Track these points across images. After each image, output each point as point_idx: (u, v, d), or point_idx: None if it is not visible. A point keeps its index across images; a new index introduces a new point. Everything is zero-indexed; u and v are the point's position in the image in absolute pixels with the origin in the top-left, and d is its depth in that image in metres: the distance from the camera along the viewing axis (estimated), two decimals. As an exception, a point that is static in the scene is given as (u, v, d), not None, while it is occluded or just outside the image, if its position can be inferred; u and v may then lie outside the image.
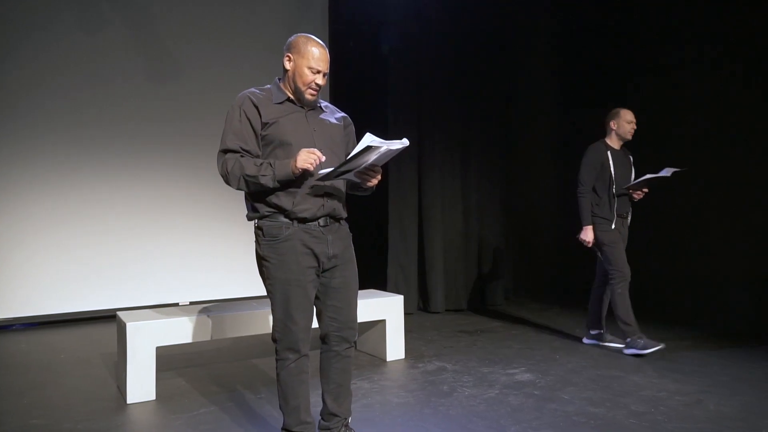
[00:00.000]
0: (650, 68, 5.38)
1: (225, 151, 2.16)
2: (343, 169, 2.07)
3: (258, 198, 2.19)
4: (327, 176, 2.12)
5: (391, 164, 5.43)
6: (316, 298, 2.27)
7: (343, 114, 2.43)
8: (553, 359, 3.76)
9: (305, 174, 2.13)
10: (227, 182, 2.14)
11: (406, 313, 4.14)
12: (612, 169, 3.93)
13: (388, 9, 5.49)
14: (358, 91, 6.25)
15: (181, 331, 3.10)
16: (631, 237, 4.03)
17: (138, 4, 5.40)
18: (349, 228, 2.38)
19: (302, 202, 2.16)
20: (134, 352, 2.98)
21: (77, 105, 5.15)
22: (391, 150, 2.03)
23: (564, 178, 6.38)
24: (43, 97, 5.02)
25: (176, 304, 5.29)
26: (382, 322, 3.76)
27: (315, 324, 2.30)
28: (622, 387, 3.17)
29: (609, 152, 3.97)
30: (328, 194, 2.21)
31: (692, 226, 5.02)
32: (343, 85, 6.24)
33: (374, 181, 2.21)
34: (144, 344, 3.01)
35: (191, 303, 5.42)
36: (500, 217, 6.05)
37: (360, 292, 3.89)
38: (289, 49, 2.23)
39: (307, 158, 2.05)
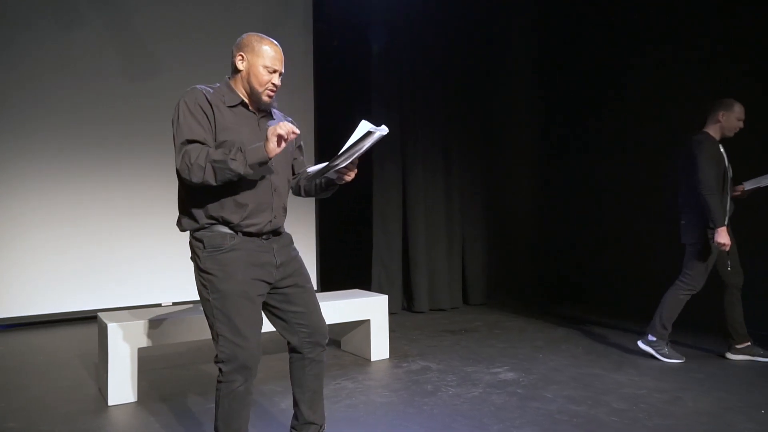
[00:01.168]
0: (633, 70, 5.42)
1: (187, 142, 1.93)
2: (337, 162, 1.98)
3: (199, 207, 2.01)
4: (320, 171, 2.04)
5: (374, 163, 5.43)
6: (280, 310, 2.16)
7: (290, 119, 2.29)
8: (535, 358, 3.80)
9: (263, 178, 2.03)
10: (188, 175, 1.89)
11: (390, 313, 4.14)
12: (726, 163, 3.56)
13: (372, 8, 5.48)
14: (341, 89, 6.24)
15: (162, 332, 3.07)
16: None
17: (117, 2, 5.32)
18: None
19: (251, 217, 2.02)
20: (115, 354, 2.95)
21: (55, 106, 5.06)
22: (381, 135, 1.94)
23: (546, 178, 6.44)
24: (20, 98, 4.93)
25: (159, 305, 5.24)
26: (367, 321, 3.76)
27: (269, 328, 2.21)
28: (603, 385, 3.21)
29: (720, 145, 3.59)
30: (278, 210, 2.11)
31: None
32: (326, 83, 6.23)
33: (352, 175, 2.11)
34: (125, 345, 2.98)
35: (174, 303, 5.37)
36: (483, 217, 6.08)
37: (344, 291, 3.95)
38: (240, 48, 2.08)
39: (283, 130, 1.84)
